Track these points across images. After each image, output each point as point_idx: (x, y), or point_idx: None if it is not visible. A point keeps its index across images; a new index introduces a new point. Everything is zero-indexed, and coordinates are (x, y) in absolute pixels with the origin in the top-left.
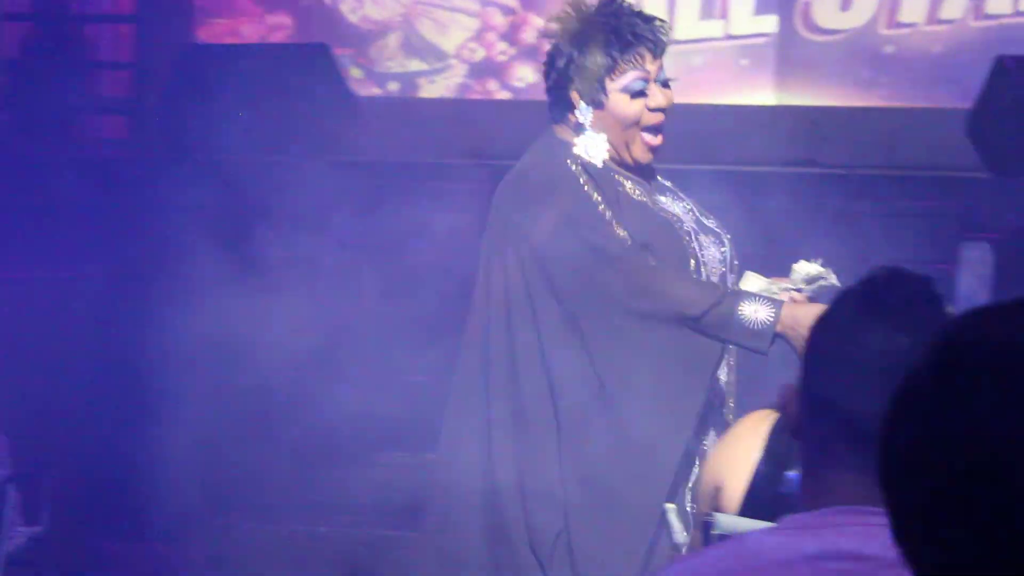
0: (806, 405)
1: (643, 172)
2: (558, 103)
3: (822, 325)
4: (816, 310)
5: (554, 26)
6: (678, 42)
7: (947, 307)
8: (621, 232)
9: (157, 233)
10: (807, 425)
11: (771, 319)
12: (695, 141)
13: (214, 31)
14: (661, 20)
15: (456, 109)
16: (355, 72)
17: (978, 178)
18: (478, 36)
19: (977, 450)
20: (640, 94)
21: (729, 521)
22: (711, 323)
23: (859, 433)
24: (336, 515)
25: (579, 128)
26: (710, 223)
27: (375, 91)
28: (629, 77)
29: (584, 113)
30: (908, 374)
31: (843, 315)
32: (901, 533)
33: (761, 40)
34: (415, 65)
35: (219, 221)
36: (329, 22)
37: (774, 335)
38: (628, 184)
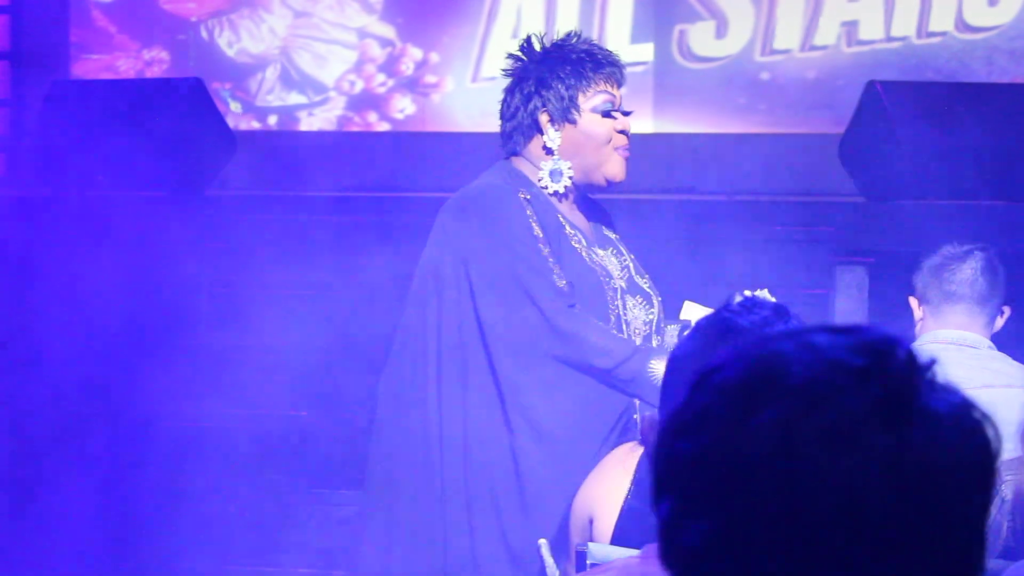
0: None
1: (594, 216)
2: (520, 130)
3: (676, 352)
4: None
5: (513, 60)
6: None
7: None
8: (556, 270)
9: (33, 270)
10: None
11: None
12: None
13: (89, 67)
14: (614, 52)
15: (335, 141)
16: (234, 106)
17: (853, 203)
18: (357, 68)
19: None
20: (608, 116)
21: (602, 551)
22: (621, 377)
23: None
24: None
25: (547, 152)
26: (644, 283)
27: (255, 124)
28: (601, 98)
29: (553, 137)
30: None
31: (696, 341)
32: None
33: (638, 68)
34: (294, 98)
35: (95, 258)
36: (207, 56)
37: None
38: (568, 230)
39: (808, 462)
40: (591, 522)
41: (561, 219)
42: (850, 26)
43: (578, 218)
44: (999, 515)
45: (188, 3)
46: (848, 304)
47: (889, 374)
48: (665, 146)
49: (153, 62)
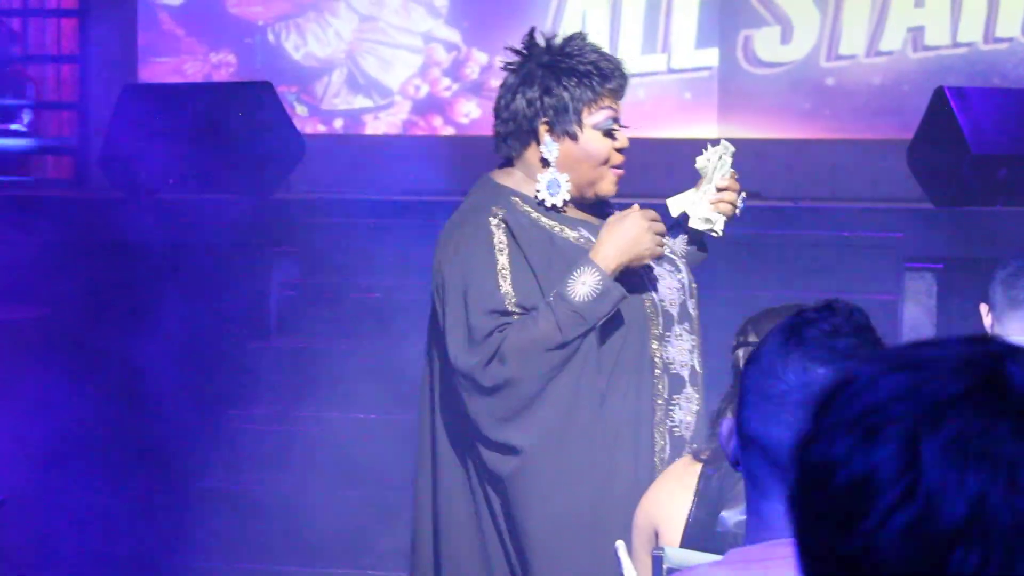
0: (738, 439)
1: (597, 213)
2: (517, 135)
3: (751, 359)
4: (611, 220)
5: (518, 59)
6: None
7: (876, 339)
8: (507, 297)
9: (104, 272)
10: (742, 460)
11: (595, 272)
12: (641, 174)
13: (157, 70)
14: (621, 61)
15: (401, 145)
16: (300, 109)
17: (921, 208)
18: (422, 72)
19: (838, 488)
20: (609, 133)
21: (678, 555)
22: (569, 327)
23: (782, 465)
24: None
25: (543, 164)
26: (664, 250)
27: (320, 128)
28: (604, 114)
29: (551, 148)
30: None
31: (768, 350)
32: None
33: (704, 73)
34: (360, 102)
35: (167, 260)
36: (273, 60)
37: (609, 277)
38: (567, 232)
39: (936, 476)
40: (656, 534)
41: (557, 227)
42: (916, 32)
43: (586, 216)
44: None
45: (255, 6)
46: (916, 311)
47: (1014, 384)
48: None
49: (220, 65)
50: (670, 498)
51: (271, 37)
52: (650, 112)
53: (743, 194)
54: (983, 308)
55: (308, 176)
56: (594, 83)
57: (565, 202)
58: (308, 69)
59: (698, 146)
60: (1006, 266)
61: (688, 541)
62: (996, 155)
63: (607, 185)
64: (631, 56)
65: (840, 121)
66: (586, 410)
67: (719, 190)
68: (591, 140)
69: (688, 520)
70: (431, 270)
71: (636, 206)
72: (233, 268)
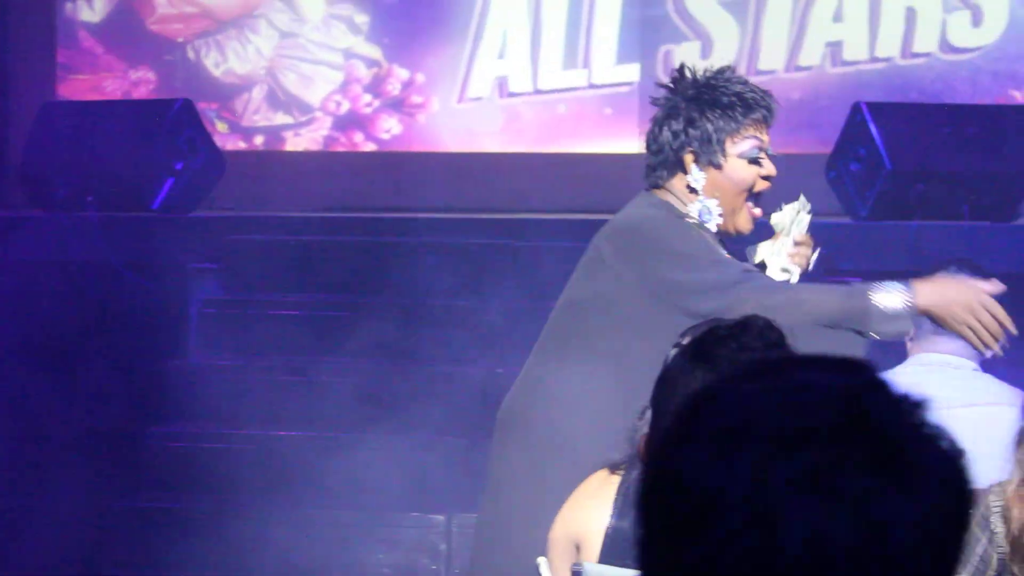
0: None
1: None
2: (664, 165)
3: (660, 377)
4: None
5: (665, 90)
6: (546, 92)
7: (787, 353)
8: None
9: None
10: None
11: (904, 293)
12: (560, 190)
13: (76, 87)
14: (770, 93)
15: (320, 161)
16: (220, 126)
17: (838, 223)
18: (343, 89)
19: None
20: (755, 162)
21: (596, 570)
22: (848, 315)
23: None
24: None
25: (690, 192)
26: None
27: (241, 145)
28: (749, 143)
29: (697, 178)
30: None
31: (674, 367)
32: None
33: (624, 89)
34: (280, 118)
35: (85, 276)
36: (193, 77)
37: (913, 307)
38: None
39: (781, 505)
40: (577, 548)
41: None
42: (835, 47)
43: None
44: (990, 547)
45: (175, 24)
46: None
47: (875, 421)
48: None
49: (139, 83)
50: (589, 511)
51: (191, 54)
52: (571, 127)
53: (818, 249)
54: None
55: (228, 193)
56: (737, 114)
57: (717, 228)
58: (228, 86)
59: (619, 161)
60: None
61: (606, 555)
62: (912, 170)
63: (743, 220)
64: (552, 71)
65: None
66: None
67: (796, 243)
68: (735, 168)
69: (607, 533)
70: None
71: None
72: (153, 285)
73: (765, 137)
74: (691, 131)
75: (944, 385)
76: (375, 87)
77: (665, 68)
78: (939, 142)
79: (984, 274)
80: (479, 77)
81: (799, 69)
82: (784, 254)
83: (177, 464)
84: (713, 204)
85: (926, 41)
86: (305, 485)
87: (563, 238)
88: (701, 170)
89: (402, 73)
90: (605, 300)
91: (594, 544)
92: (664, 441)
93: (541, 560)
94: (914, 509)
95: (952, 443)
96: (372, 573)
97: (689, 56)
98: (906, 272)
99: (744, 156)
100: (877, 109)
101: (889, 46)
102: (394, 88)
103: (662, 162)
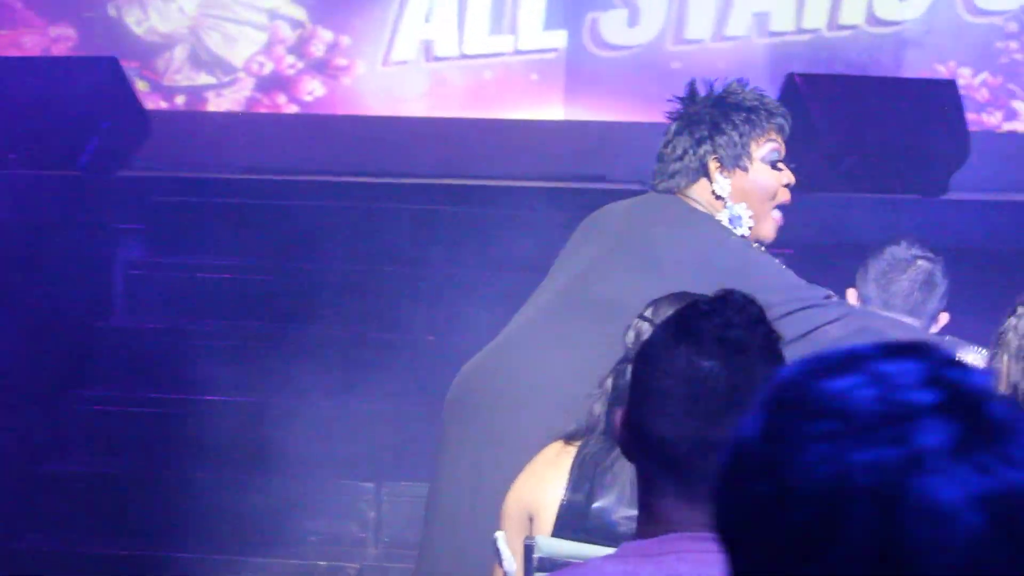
0: (628, 432)
1: None
2: (685, 172)
3: (639, 351)
4: None
5: (682, 103)
6: (472, 57)
7: (769, 332)
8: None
9: None
10: (632, 453)
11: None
12: (487, 156)
13: None
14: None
15: (243, 122)
16: (141, 85)
17: None
18: (266, 49)
19: (801, 512)
20: (775, 167)
21: (549, 544)
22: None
23: (670, 459)
24: None
25: (716, 199)
26: None
27: (162, 104)
28: (769, 147)
29: (723, 185)
30: (738, 433)
31: (655, 342)
32: None
33: (551, 55)
34: (203, 78)
35: (4, 238)
36: (114, 34)
37: None
38: None
39: (906, 490)
40: (531, 520)
41: None
42: (761, 17)
43: None
44: None
45: None
46: None
47: (967, 396)
48: (577, 134)
49: (59, 39)
50: (543, 484)
51: (112, 11)
52: (497, 94)
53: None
54: (852, 295)
55: (148, 153)
56: (761, 117)
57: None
58: (150, 44)
59: (545, 127)
60: (877, 260)
61: (560, 528)
62: (845, 143)
63: (768, 228)
64: (479, 37)
65: None
66: None
67: None
68: (760, 173)
69: (561, 505)
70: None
71: None
72: (75, 247)
73: (783, 146)
74: (716, 136)
75: None
76: (299, 48)
77: (592, 36)
78: (871, 115)
79: (932, 250)
80: (405, 40)
81: (725, 39)
82: None
83: (102, 428)
84: (743, 209)
85: (853, 13)
86: (232, 451)
87: (490, 204)
88: (726, 177)
89: (326, 35)
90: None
91: (548, 517)
92: (763, 449)
93: (499, 534)
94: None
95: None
96: (299, 540)
97: (616, 23)
98: (836, 245)
99: (766, 160)
100: (811, 81)
101: (816, 18)
102: (318, 50)
103: (682, 169)
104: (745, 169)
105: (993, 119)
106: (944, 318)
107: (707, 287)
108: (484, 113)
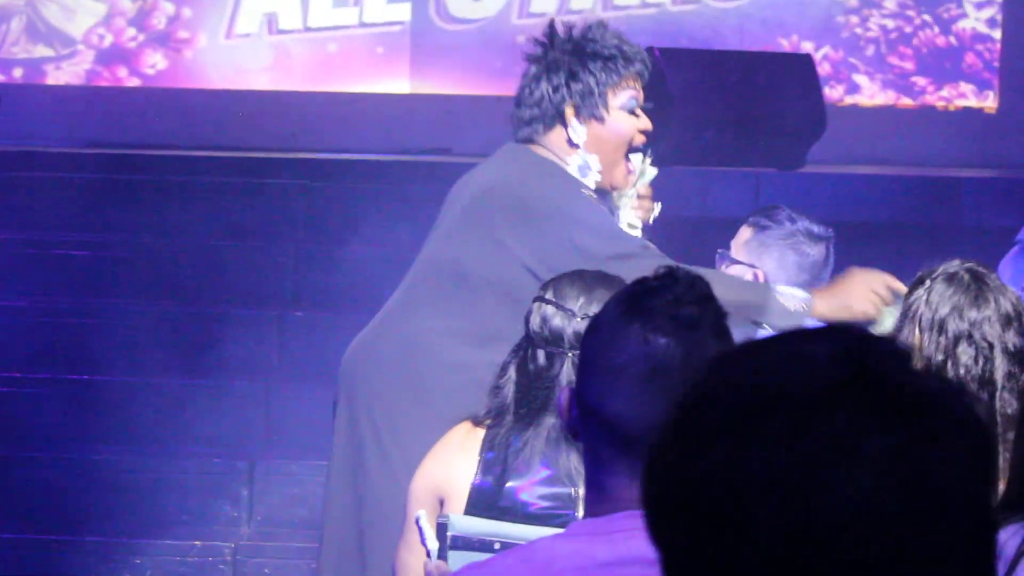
0: (579, 411)
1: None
2: (542, 119)
3: (589, 329)
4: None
5: (541, 46)
6: (316, 30)
7: (717, 308)
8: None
9: None
10: (581, 431)
11: (804, 303)
12: (333, 129)
13: None
14: (643, 49)
15: (84, 96)
16: None
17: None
18: (106, 21)
19: (710, 500)
20: (633, 114)
21: (463, 522)
22: (748, 309)
23: (623, 438)
24: None
25: (571, 146)
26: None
27: None
28: (628, 94)
29: (579, 132)
30: (666, 417)
31: (607, 319)
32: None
33: (396, 28)
34: (40, 51)
35: None
36: None
37: (807, 313)
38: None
39: (809, 477)
40: (441, 502)
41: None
42: None
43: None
44: None
45: None
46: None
47: (881, 376)
48: (422, 107)
49: None
50: (453, 466)
51: None
52: (341, 66)
53: (659, 203)
54: (758, 273)
55: None
56: (619, 65)
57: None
58: None
59: (390, 102)
60: (780, 225)
61: (472, 509)
62: (703, 115)
63: (620, 175)
64: (323, 9)
65: None
66: None
67: (639, 197)
68: (617, 120)
69: (472, 487)
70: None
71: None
72: None
73: (641, 91)
74: (573, 84)
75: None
76: (140, 21)
77: (437, 9)
78: (729, 89)
79: (819, 224)
80: (247, 13)
81: (571, 12)
82: (629, 208)
83: None
84: (593, 159)
85: None
86: (99, 429)
87: (335, 178)
88: (582, 124)
89: (168, 7)
90: (486, 264)
91: (459, 499)
92: (674, 441)
93: (420, 512)
94: (946, 459)
95: (960, 388)
96: (172, 520)
97: None
98: (697, 219)
99: (624, 108)
100: (669, 55)
101: None
102: (160, 22)
103: (539, 116)
104: (601, 119)
105: (835, 93)
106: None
107: (530, 237)
108: (329, 86)
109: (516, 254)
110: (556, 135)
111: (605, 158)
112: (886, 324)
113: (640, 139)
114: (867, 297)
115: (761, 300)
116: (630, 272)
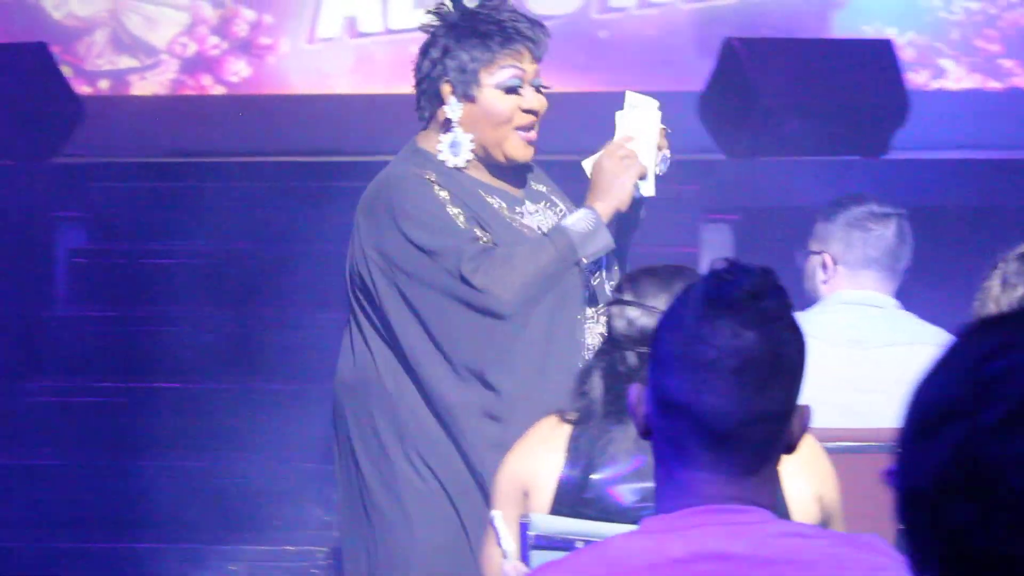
0: (656, 407)
1: (514, 180)
2: (426, 97)
3: (669, 324)
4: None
5: (431, 17)
6: (397, 32)
7: (789, 298)
8: (478, 232)
9: None
10: (657, 426)
11: (590, 213)
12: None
13: None
14: (542, 24)
15: (170, 106)
16: (64, 70)
17: (714, 160)
18: (189, 30)
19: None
20: (513, 91)
21: (545, 521)
22: (565, 257)
23: (711, 432)
24: None
25: (447, 125)
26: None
27: (85, 89)
28: (506, 73)
29: (454, 108)
30: (931, 401)
31: (690, 314)
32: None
33: None
34: (125, 62)
35: None
36: (32, 19)
37: (602, 220)
38: (493, 201)
39: None
40: (526, 496)
41: (482, 192)
42: None
43: (503, 184)
44: None
45: None
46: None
47: None
48: None
49: None
50: (539, 460)
51: None
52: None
53: (669, 156)
54: (820, 259)
55: (75, 139)
56: (494, 43)
57: (469, 161)
58: (70, 29)
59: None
60: (847, 218)
61: (559, 504)
62: (785, 106)
63: (514, 148)
64: (403, 11)
65: (615, 74)
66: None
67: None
68: (491, 99)
69: (559, 481)
70: (354, 242)
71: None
72: (16, 237)
73: (530, 68)
74: (447, 61)
75: (863, 324)
76: (222, 29)
77: (516, 6)
78: (811, 78)
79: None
80: (328, 17)
81: (651, 5)
82: (652, 160)
83: (49, 419)
84: (465, 138)
85: None
86: (191, 437)
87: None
88: (459, 101)
89: (249, 14)
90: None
91: (545, 492)
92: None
93: (495, 512)
94: None
95: None
96: (265, 525)
97: None
98: (781, 209)
99: (501, 86)
100: (749, 45)
101: None
102: (241, 29)
103: (423, 93)
104: (473, 98)
105: (920, 78)
106: None
107: (372, 235)
108: (412, 88)
109: (366, 252)
110: (440, 114)
111: (484, 136)
112: (625, 128)
113: (524, 118)
114: (617, 167)
115: (566, 240)
116: (455, 264)
